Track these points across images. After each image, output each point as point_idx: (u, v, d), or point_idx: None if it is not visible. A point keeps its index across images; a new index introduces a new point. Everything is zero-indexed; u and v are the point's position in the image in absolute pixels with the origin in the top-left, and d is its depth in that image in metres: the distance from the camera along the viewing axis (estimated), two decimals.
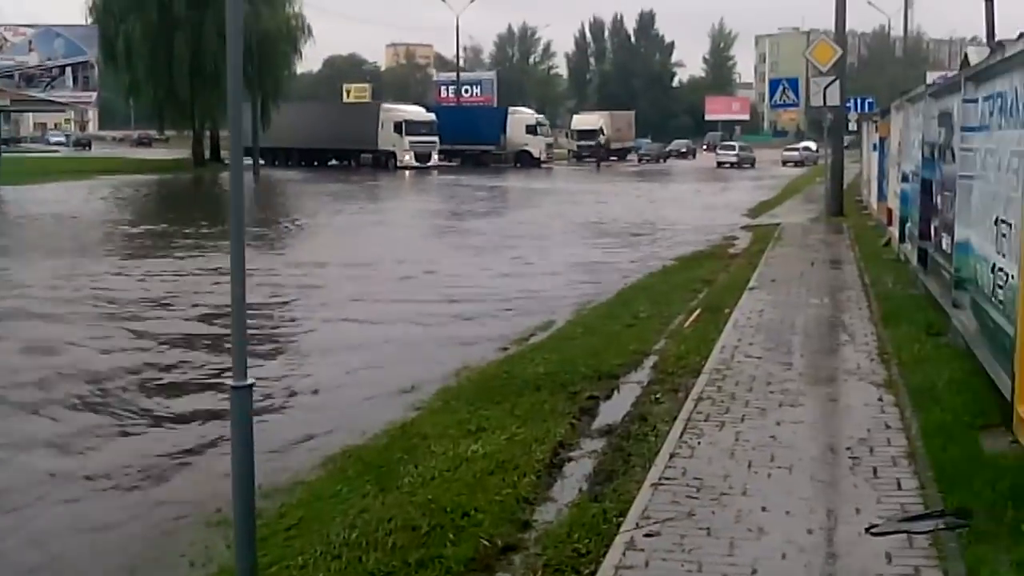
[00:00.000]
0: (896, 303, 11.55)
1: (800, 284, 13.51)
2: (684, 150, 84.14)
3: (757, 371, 8.48)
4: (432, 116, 60.91)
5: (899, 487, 5.78)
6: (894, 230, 16.60)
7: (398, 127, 57.61)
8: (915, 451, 6.34)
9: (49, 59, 47.61)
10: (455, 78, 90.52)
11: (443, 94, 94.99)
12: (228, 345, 10.86)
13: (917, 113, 13.86)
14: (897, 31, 70.65)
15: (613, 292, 14.65)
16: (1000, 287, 7.58)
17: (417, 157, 57.23)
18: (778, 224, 22.91)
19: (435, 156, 59.04)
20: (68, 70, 47.76)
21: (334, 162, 61.29)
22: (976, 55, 16.03)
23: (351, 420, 8.55)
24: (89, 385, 9.68)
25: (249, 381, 4.92)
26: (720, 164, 66.48)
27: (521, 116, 67.33)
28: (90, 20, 52.42)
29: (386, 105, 63.49)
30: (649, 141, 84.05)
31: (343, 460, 7.27)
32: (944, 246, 10.89)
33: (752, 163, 67.20)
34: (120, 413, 8.85)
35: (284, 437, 8.26)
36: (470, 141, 63.42)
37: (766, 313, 11.26)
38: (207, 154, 58.34)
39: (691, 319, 11.21)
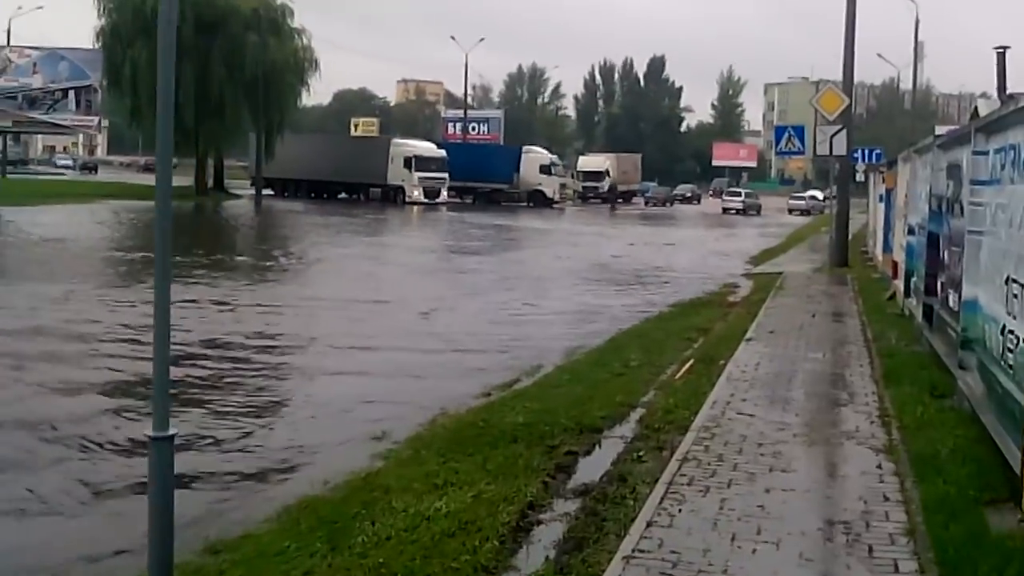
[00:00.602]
0: (899, 361, 11.01)
1: (799, 336, 12.97)
2: (689, 195, 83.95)
3: (749, 430, 7.94)
4: (443, 152, 60.47)
5: (896, 570, 5.24)
6: (899, 284, 16.09)
7: (408, 162, 57.09)
8: (915, 528, 5.80)
9: (53, 82, 47.54)
10: (463, 115, 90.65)
11: (450, 131, 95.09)
12: (190, 393, 10.46)
13: (925, 165, 13.41)
14: (906, 84, 70.63)
15: (606, 338, 14.13)
16: (1010, 350, 7.07)
17: (426, 193, 56.70)
18: (780, 273, 22.41)
19: (444, 193, 58.49)
20: (71, 93, 47.64)
21: (343, 195, 60.66)
22: (986, 107, 15.69)
23: (315, 468, 8.07)
24: (22, 432, 8.94)
25: (171, 432, 4.45)
26: (726, 210, 66.17)
27: (535, 155, 66.87)
28: (98, 45, 52.42)
29: (397, 140, 63.21)
30: (655, 184, 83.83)
31: (298, 512, 6.76)
32: (950, 303, 10.39)
33: (758, 210, 66.87)
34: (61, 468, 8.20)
35: (244, 485, 7.80)
36: (483, 179, 63.14)
37: (762, 366, 10.72)
38: (210, 182, 58.10)
39: (683, 370, 10.68)
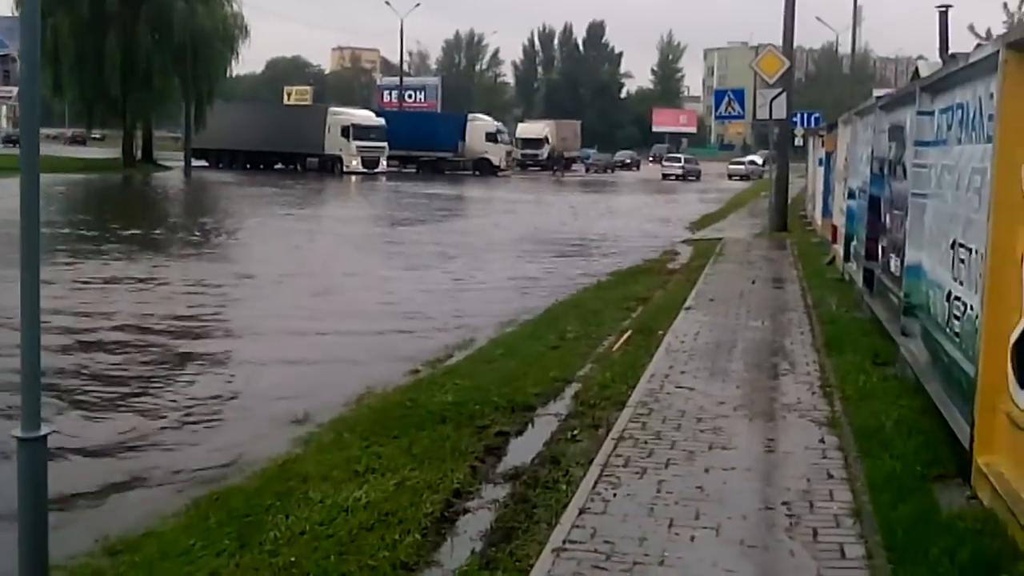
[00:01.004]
0: (840, 328, 10.75)
1: (740, 304, 12.68)
2: (628, 161, 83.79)
3: (687, 405, 7.59)
4: (381, 121, 59.10)
5: (843, 555, 4.93)
6: (839, 248, 15.90)
7: (345, 131, 55.71)
8: (861, 508, 5.49)
9: None
10: (398, 83, 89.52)
11: (386, 99, 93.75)
12: (98, 382, 9.88)
13: (866, 127, 13.17)
14: (845, 48, 70.93)
15: (542, 308, 13.74)
16: (956, 318, 6.80)
17: (364, 163, 55.39)
18: (720, 239, 22.17)
19: (383, 162, 57.22)
20: None
21: (280, 166, 59.19)
22: (927, 69, 15.41)
23: (230, 456, 7.60)
24: None
25: (44, 431, 3.95)
26: (666, 176, 66.18)
27: (481, 123, 66.28)
28: (18, 13, 50.73)
29: (334, 108, 61.68)
30: (595, 151, 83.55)
31: (207, 506, 6.28)
32: (892, 268, 10.14)
33: (697, 176, 66.97)
34: None
35: (153, 475, 7.30)
36: (427, 148, 62.38)
37: (702, 336, 10.40)
38: (139, 154, 56.67)
39: (620, 342, 10.31)
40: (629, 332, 10.71)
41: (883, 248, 10.97)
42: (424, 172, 60.52)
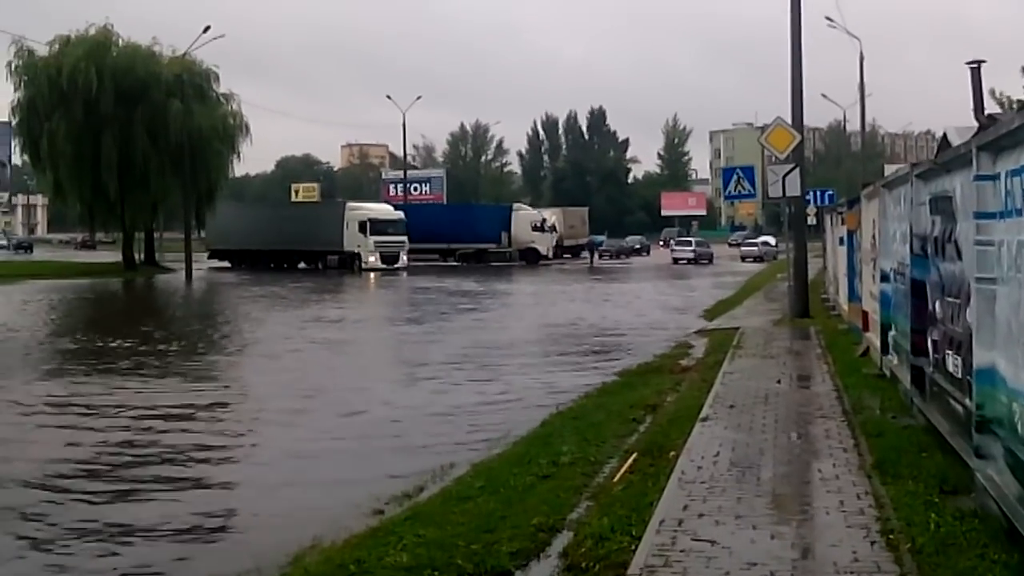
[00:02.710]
0: (890, 441, 8.89)
1: (766, 411, 10.81)
2: (638, 246, 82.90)
3: (709, 569, 5.76)
4: (400, 214, 57.63)
5: None
6: (873, 338, 14.11)
7: (363, 227, 54.03)
8: None
9: None
10: (403, 176, 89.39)
11: (392, 192, 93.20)
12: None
13: (899, 200, 11.50)
14: (852, 125, 69.93)
15: (538, 420, 11.94)
16: None
17: (383, 258, 53.42)
18: (737, 328, 20.34)
19: (404, 257, 55.15)
20: None
21: (303, 265, 57.32)
22: (958, 135, 13.77)
23: None
24: None
25: None
26: (676, 260, 64.70)
27: (526, 214, 67.36)
28: (15, 118, 50.65)
29: (351, 204, 60.19)
30: (604, 237, 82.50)
31: None
32: (950, 367, 8.36)
33: (710, 259, 65.43)
34: None
35: None
36: (469, 240, 62.42)
37: (722, 458, 8.58)
38: (141, 256, 55.66)
39: (624, 468, 8.50)
40: (635, 455, 8.90)
41: (935, 343, 9.19)
42: (469, 263, 60.12)
